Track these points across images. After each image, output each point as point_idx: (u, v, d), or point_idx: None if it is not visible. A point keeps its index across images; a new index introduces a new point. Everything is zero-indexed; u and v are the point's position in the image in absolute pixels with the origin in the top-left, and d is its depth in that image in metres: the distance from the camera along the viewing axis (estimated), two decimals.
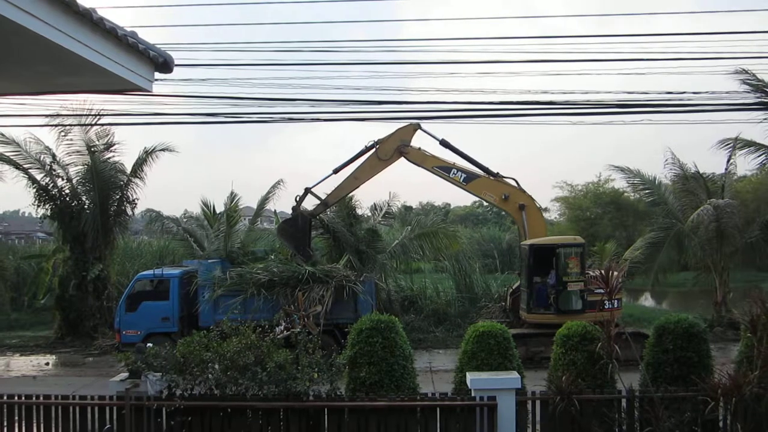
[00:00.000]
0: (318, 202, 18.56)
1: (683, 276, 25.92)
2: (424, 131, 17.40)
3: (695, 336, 8.10)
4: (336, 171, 17.95)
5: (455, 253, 22.96)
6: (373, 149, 17.60)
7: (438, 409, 7.55)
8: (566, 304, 16.21)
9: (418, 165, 17.62)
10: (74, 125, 20.77)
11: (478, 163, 17.63)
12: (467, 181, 17.56)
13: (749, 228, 21.25)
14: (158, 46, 5.86)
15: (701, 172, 22.62)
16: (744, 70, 19.22)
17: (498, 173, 17.65)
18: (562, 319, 15.69)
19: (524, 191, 17.61)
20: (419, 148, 17.66)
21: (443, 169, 17.50)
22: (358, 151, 17.74)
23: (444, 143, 17.48)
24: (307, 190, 18.20)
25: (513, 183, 17.71)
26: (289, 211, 18.97)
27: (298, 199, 18.26)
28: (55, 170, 21.41)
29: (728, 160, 21.76)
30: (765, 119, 19.42)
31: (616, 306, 14.94)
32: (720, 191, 21.58)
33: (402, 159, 17.68)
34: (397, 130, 17.37)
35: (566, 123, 22.42)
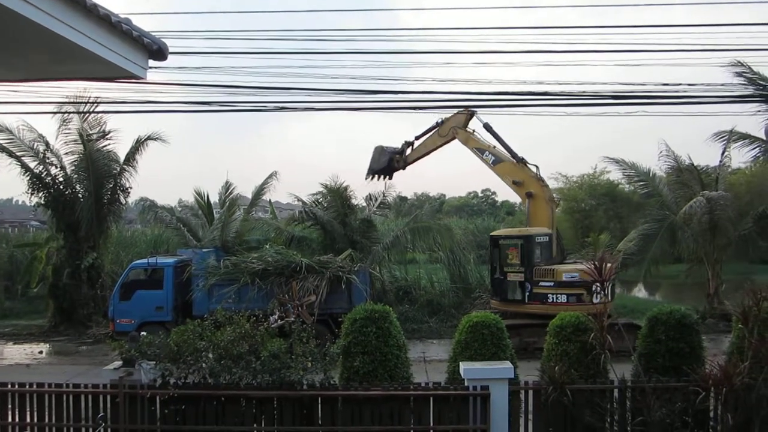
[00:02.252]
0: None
1: (676, 268, 26.02)
2: (478, 118, 18.87)
3: (687, 327, 8.15)
4: (417, 137, 20.06)
5: (450, 244, 23.04)
6: (437, 127, 19.53)
7: (431, 399, 7.57)
8: (506, 294, 17.14)
9: (463, 144, 19.04)
10: (70, 113, 20.68)
11: (509, 148, 18.44)
12: (495, 163, 18.48)
13: (742, 220, 21.33)
14: (152, 33, 5.82)
15: (696, 164, 22.68)
16: (739, 62, 19.22)
17: (522, 158, 18.21)
18: (507, 307, 16.79)
19: (539, 180, 18.03)
20: (471, 131, 19.03)
21: (479, 151, 18.77)
22: (431, 125, 19.66)
23: (486, 127, 18.69)
24: (407, 143, 20.18)
25: (533, 170, 18.21)
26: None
27: (404, 144, 20.26)
28: (48, 158, 21.32)
29: (723, 153, 21.82)
30: (758, 112, 19.47)
31: (572, 300, 15.76)
32: (714, 184, 21.65)
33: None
34: (453, 115, 19.07)
35: (561, 114, 22.52)
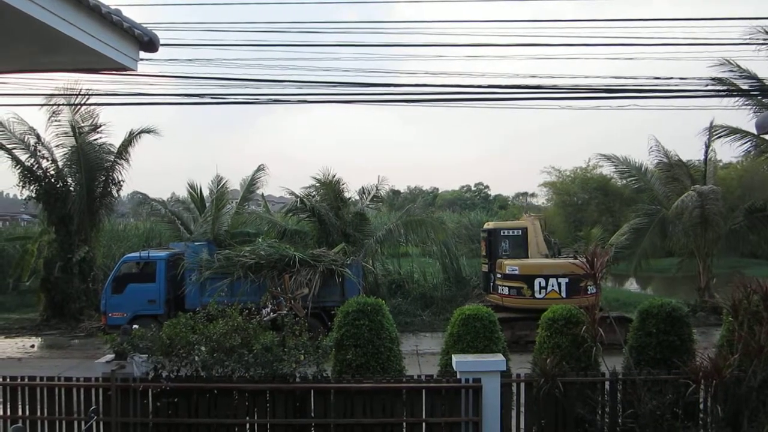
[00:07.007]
0: None
1: (668, 261, 26.17)
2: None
3: (678, 320, 8.18)
4: None
5: (443, 237, 23.10)
6: None
7: (423, 391, 7.58)
8: (484, 284, 18.84)
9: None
10: (61, 105, 20.56)
11: None
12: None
13: (733, 214, 21.45)
14: (143, 24, 5.77)
15: (687, 159, 22.85)
16: (727, 60, 19.25)
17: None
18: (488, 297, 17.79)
19: (529, 216, 19.66)
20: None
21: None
22: None
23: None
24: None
25: (529, 214, 20.28)
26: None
27: None
28: (39, 151, 21.22)
29: (709, 147, 21.95)
30: (741, 106, 19.55)
31: (512, 293, 16.47)
32: (703, 178, 21.77)
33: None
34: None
35: (554, 108, 22.51)
